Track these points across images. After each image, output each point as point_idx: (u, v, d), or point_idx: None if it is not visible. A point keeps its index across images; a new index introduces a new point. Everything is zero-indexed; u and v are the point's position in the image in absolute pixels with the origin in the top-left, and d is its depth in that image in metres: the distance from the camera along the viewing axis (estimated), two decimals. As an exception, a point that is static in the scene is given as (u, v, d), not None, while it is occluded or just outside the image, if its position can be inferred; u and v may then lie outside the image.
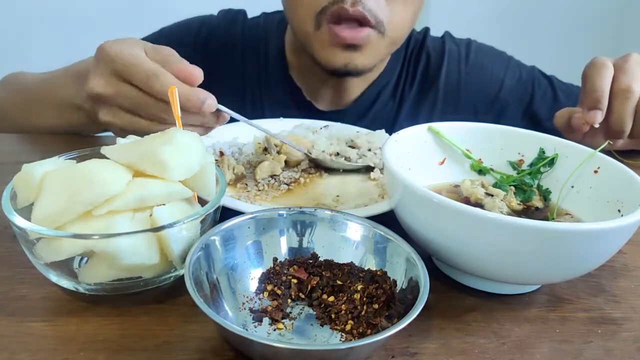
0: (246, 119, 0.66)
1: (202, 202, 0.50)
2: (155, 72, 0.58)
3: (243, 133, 0.76)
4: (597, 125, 0.70)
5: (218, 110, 0.62)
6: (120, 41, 0.62)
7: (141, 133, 0.61)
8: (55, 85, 0.80)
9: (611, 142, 0.69)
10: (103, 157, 0.45)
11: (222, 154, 0.70)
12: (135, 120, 0.62)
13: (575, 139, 0.77)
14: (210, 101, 0.59)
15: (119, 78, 0.60)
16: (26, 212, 0.42)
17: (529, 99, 0.97)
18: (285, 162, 0.70)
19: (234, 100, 0.95)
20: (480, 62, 0.98)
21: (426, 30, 1.01)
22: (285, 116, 0.83)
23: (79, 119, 0.76)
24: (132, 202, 0.42)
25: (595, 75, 0.71)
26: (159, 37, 0.98)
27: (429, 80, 0.97)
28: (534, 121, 0.96)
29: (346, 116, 0.92)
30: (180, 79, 0.58)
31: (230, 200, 0.57)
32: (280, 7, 0.88)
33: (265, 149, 0.71)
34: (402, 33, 0.82)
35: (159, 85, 0.57)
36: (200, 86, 0.61)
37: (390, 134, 0.81)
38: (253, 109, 0.96)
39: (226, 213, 0.50)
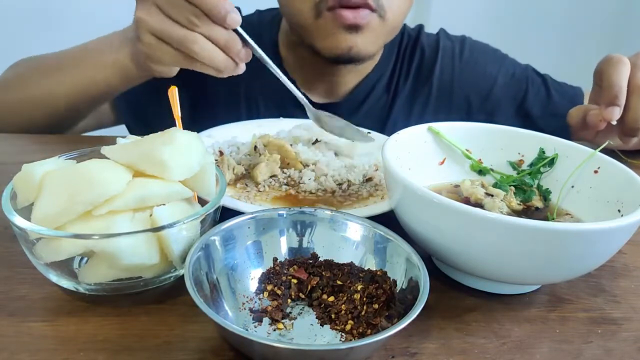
0: (263, 56, 0.67)
1: (202, 202, 0.50)
2: None
3: (242, 132, 0.76)
4: (614, 122, 0.69)
5: (245, 45, 0.63)
6: None
7: (172, 38, 0.61)
8: (90, 47, 0.80)
9: (612, 143, 0.68)
10: (103, 157, 0.45)
11: (221, 153, 0.70)
12: (167, 23, 0.61)
13: (588, 137, 0.77)
14: (234, 15, 0.59)
15: None
16: (26, 212, 0.42)
17: (522, 97, 0.97)
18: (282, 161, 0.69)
19: (230, 95, 0.96)
20: (474, 59, 0.98)
21: (420, 26, 1.02)
22: (280, 110, 0.83)
23: (112, 76, 0.75)
24: (132, 202, 0.42)
25: (612, 71, 0.70)
26: None
27: (423, 76, 0.97)
28: (527, 119, 0.96)
29: (340, 109, 0.93)
30: None
31: (230, 200, 0.57)
32: (273, 5, 0.88)
33: (255, 148, 0.71)
34: (400, 19, 0.83)
35: None
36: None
37: (383, 128, 0.81)
38: (248, 104, 0.96)
39: (226, 213, 0.50)
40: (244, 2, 1.06)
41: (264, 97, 0.96)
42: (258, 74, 0.96)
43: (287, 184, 0.66)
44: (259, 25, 0.98)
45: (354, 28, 0.77)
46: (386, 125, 0.95)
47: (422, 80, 0.97)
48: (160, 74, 0.70)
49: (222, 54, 0.63)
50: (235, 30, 0.62)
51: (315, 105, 0.94)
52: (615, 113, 0.68)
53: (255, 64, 0.96)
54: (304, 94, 0.94)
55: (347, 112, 0.86)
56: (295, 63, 0.94)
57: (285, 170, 0.69)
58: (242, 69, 0.67)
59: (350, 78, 0.94)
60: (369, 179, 0.68)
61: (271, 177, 0.67)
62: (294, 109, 0.89)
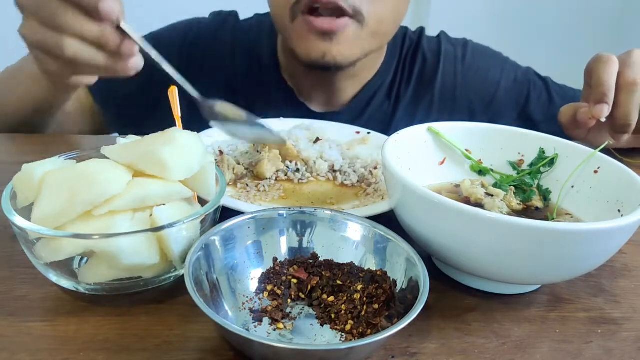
0: (157, 55, 0.60)
1: (202, 202, 0.50)
2: None
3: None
4: (603, 119, 0.69)
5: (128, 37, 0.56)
6: None
7: (47, 47, 0.58)
8: (21, 65, 0.80)
9: (611, 142, 0.69)
10: (103, 157, 0.45)
11: (221, 153, 0.71)
12: (39, 30, 0.57)
13: (580, 136, 0.77)
14: (107, 3, 0.53)
15: None
16: (26, 212, 0.42)
17: (525, 101, 0.97)
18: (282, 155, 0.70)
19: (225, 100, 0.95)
20: (476, 64, 0.98)
21: (421, 30, 1.00)
22: (278, 118, 0.83)
23: (42, 90, 0.74)
24: (132, 202, 0.42)
25: (601, 69, 0.70)
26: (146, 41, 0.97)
27: (425, 81, 0.96)
28: (529, 123, 0.96)
29: (341, 117, 0.91)
30: None
31: (230, 200, 0.57)
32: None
33: (254, 145, 0.71)
34: (385, 25, 0.81)
35: None
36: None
37: (386, 135, 0.80)
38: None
39: (226, 213, 0.50)
40: (244, 5, 1.06)
41: (262, 104, 0.95)
42: (256, 81, 0.96)
43: (297, 171, 0.67)
44: (258, 31, 0.97)
45: (327, 35, 0.76)
46: (389, 132, 0.94)
47: (424, 86, 0.96)
48: (69, 86, 0.67)
49: (99, 53, 0.58)
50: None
51: (315, 114, 0.93)
52: (604, 110, 0.68)
53: (252, 70, 0.95)
54: (302, 103, 0.94)
55: (348, 121, 0.86)
56: (293, 71, 0.93)
57: (289, 162, 0.69)
58: (135, 65, 0.61)
59: (349, 86, 0.93)
60: (368, 178, 0.69)
61: (277, 171, 0.68)
62: (292, 116, 0.89)
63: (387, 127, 0.95)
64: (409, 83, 0.96)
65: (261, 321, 0.43)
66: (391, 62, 0.96)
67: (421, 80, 0.97)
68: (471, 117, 0.97)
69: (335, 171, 0.70)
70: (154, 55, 0.60)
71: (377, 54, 0.92)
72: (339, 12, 0.74)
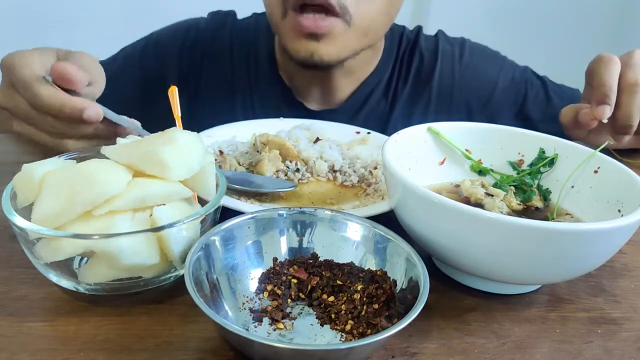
0: (144, 131, 0.63)
1: (202, 202, 0.50)
2: (29, 81, 0.56)
3: (242, 132, 0.76)
4: (605, 121, 0.69)
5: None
6: (26, 51, 0.60)
7: (48, 146, 0.61)
8: None
9: (611, 142, 0.68)
10: (103, 157, 0.45)
11: (221, 152, 0.71)
12: (35, 132, 0.61)
13: (581, 136, 0.77)
14: (90, 111, 0.56)
15: (15, 89, 0.59)
16: (26, 212, 0.42)
17: (522, 100, 0.97)
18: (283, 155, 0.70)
19: (225, 102, 0.96)
20: (474, 63, 0.97)
21: (419, 28, 1.00)
22: (276, 117, 0.83)
23: None
24: (132, 202, 0.42)
25: (602, 70, 0.70)
26: (147, 42, 0.98)
27: (423, 80, 0.96)
28: (527, 122, 0.96)
29: (338, 116, 0.92)
30: (57, 82, 0.56)
31: (230, 200, 0.57)
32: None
33: (254, 145, 0.71)
34: (373, 24, 0.80)
35: (30, 94, 0.56)
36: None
37: (383, 133, 0.81)
38: (244, 111, 0.95)
39: (226, 213, 0.50)
40: (243, 4, 1.06)
41: (260, 102, 0.96)
42: (253, 79, 0.96)
43: (297, 171, 0.67)
44: (255, 31, 0.97)
45: (314, 35, 0.76)
46: (386, 130, 0.94)
47: (421, 84, 0.96)
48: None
49: (99, 141, 0.62)
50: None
51: (312, 112, 0.93)
52: (606, 111, 0.68)
53: (250, 69, 0.95)
54: (299, 101, 0.94)
55: (345, 119, 0.86)
56: (290, 69, 0.94)
57: (289, 162, 0.69)
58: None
59: (346, 84, 0.93)
60: (368, 178, 0.69)
61: (277, 171, 0.68)
62: (290, 114, 0.89)
63: (384, 126, 0.95)
64: (406, 81, 0.96)
65: (261, 321, 0.43)
66: (388, 60, 0.96)
67: (418, 79, 0.96)
68: (468, 116, 0.97)
69: (335, 171, 0.70)
70: (140, 130, 0.63)
71: (372, 52, 0.92)
72: (327, 10, 0.74)
